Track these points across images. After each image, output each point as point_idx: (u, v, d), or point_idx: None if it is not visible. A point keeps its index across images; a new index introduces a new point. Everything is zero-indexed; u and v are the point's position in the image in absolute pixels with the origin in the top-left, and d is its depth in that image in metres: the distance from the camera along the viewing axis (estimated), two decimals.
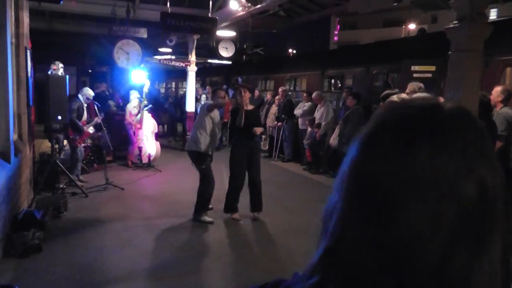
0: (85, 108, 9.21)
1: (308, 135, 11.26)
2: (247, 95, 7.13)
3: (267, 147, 13.65)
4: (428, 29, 21.88)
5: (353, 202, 0.66)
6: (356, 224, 0.65)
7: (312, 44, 26.13)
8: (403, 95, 5.56)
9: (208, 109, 6.85)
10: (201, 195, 6.92)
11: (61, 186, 8.28)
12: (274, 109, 12.87)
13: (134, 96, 11.20)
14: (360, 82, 11.16)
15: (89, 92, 9.28)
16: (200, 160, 6.85)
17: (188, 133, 13.90)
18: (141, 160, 11.02)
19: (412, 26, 32.73)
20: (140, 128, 10.97)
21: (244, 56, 18.34)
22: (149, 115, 11.23)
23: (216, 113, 7.05)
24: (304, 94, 12.08)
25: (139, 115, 11.00)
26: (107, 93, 15.56)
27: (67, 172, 8.27)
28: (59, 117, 7.74)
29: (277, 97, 12.82)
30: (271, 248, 6.10)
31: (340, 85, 12.36)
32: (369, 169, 0.65)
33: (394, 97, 5.30)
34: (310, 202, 8.29)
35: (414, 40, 12.90)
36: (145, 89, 11.11)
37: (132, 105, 11.08)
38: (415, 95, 5.11)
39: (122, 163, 11.24)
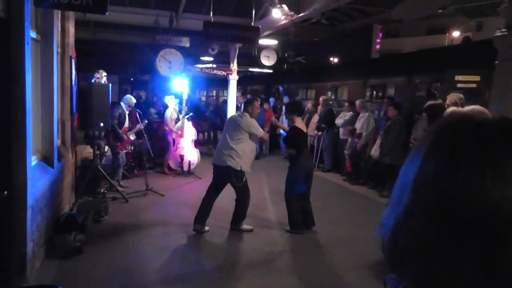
0: (126, 115, 9.35)
1: (349, 145, 11.14)
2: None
3: None
4: (473, 37, 21.36)
5: (442, 230, 0.60)
6: (455, 259, 0.59)
7: (353, 52, 25.82)
8: (459, 108, 5.46)
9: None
10: (239, 208, 6.85)
11: (102, 191, 8.48)
12: (315, 118, 12.83)
13: (171, 102, 11.24)
14: (402, 91, 10.97)
15: (132, 99, 9.42)
16: (238, 177, 6.65)
17: None
18: (182, 167, 11.14)
19: (456, 34, 31.95)
20: (182, 136, 11.10)
21: (286, 65, 18.38)
22: (190, 123, 11.36)
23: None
24: (346, 104, 11.98)
25: (179, 123, 11.11)
26: (141, 99, 15.79)
27: (108, 178, 8.42)
28: (101, 124, 7.88)
29: (319, 107, 12.76)
30: (310, 258, 6.05)
31: (381, 94, 12.20)
32: (462, 191, 0.59)
33: (450, 110, 5.23)
34: (350, 213, 8.25)
35: (459, 49, 12.60)
36: (184, 96, 11.19)
37: (170, 111, 11.11)
38: (468, 108, 5.02)
39: (163, 170, 11.37)
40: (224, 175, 6.63)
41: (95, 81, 8.25)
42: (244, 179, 6.66)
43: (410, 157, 0.67)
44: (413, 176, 0.64)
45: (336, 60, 28.21)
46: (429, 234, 0.60)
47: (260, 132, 6.77)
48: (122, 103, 9.34)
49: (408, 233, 0.62)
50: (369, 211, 8.33)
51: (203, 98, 26.78)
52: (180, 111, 11.15)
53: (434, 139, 0.65)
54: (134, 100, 9.51)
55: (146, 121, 9.87)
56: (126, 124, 9.34)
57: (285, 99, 16.00)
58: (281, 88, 18.64)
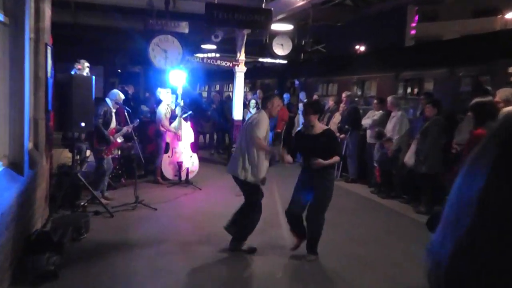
0: (113, 114, 9.31)
1: (378, 151, 11.08)
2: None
3: None
4: None
5: None
6: None
7: (384, 39, 25.65)
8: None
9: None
10: (246, 224, 6.80)
11: (82, 203, 8.43)
12: (337, 118, 12.75)
13: (166, 96, 11.15)
14: (442, 86, 10.85)
15: (120, 95, 9.40)
16: (254, 190, 6.65)
17: (235, 145, 13.95)
18: (179, 176, 11.14)
19: (510, 16, 31.38)
20: (179, 139, 11.12)
21: (303, 55, 18.26)
22: (188, 123, 11.36)
23: (266, 127, 6.70)
24: (375, 101, 11.90)
25: (176, 122, 11.10)
26: (129, 94, 15.71)
27: (90, 188, 8.39)
28: (83, 124, 7.79)
29: (341, 105, 12.70)
30: (330, 285, 5.99)
31: (417, 90, 12.09)
32: None
33: (506, 109, 5.13)
34: (379, 232, 8.18)
35: None
36: (179, 91, 11.21)
37: (164, 107, 11.03)
38: None
39: (155, 179, 11.36)
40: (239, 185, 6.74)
41: (75, 73, 8.20)
42: (257, 193, 6.68)
43: (465, 170, 0.65)
44: (476, 193, 0.60)
45: (362, 48, 28.08)
46: (508, 262, 0.57)
47: (259, 134, 6.50)
48: (108, 100, 9.29)
49: (477, 260, 0.59)
50: (402, 230, 8.26)
51: (204, 94, 26.79)
52: (177, 108, 11.14)
53: (502, 150, 0.61)
54: (122, 96, 9.49)
55: (138, 121, 9.84)
56: (113, 124, 9.30)
57: (302, 95, 16.00)
58: (297, 82, 18.59)
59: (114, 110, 9.32)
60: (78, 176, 8.11)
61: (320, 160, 6.20)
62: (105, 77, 20.46)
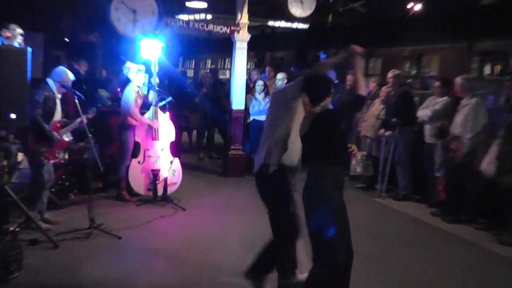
0: (58, 102, 9.21)
1: (441, 155, 11.07)
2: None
3: (363, 171, 13.21)
4: None
5: None
6: None
7: None
8: None
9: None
10: (286, 250, 6.68)
11: (11, 228, 8.20)
12: (377, 107, 12.77)
13: (137, 77, 11.07)
14: None
15: (68, 75, 9.27)
16: (285, 192, 6.54)
17: (235, 146, 13.85)
18: (155, 191, 11.08)
19: None
20: (155, 138, 11.10)
21: (331, 17, 18.17)
22: (167, 114, 11.32)
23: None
24: (436, 83, 11.84)
25: (150, 112, 11.08)
26: (80, 74, 15.47)
27: (23, 206, 8.22)
28: (13, 116, 7.60)
29: (384, 89, 12.67)
30: None
31: (500, 68, 12.01)
32: None
33: None
34: (445, 271, 8.05)
35: None
36: (153, 69, 11.20)
37: (134, 90, 10.95)
38: None
39: (119, 193, 11.27)
40: None
41: (2, 43, 8.23)
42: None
43: None
44: None
45: (418, 8, 27.83)
46: None
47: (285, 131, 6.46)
48: (50, 81, 9.16)
49: None
50: (479, 268, 8.15)
51: (190, 73, 26.61)
52: (150, 92, 11.16)
53: None
54: (71, 76, 9.37)
55: (94, 110, 9.75)
56: (58, 115, 9.21)
57: (332, 74, 15.63)
58: (322, 56, 18.44)
59: (59, 96, 9.21)
60: (5, 190, 7.92)
61: None
62: (46, 49, 20.08)
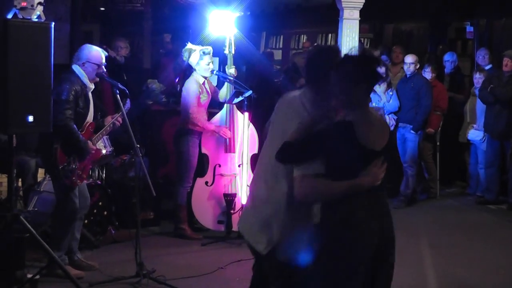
0: (90, 97, 7.80)
1: None
2: None
3: None
4: None
5: None
6: None
7: None
8: None
9: None
10: None
11: (29, 276, 7.19)
12: None
13: (196, 58, 9.46)
14: None
15: (99, 54, 7.80)
16: None
17: None
18: (229, 225, 9.59)
19: None
20: (230, 149, 9.63)
21: None
22: (246, 115, 9.61)
23: None
24: None
25: (223, 113, 9.66)
26: (118, 58, 13.81)
27: (45, 245, 7.10)
28: (31, 118, 6.78)
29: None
30: None
31: None
32: None
33: None
34: None
35: None
36: (227, 51, 9.62)
37: (197, 82, 9.49)
38: None
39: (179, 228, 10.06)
40: None
41: (16, 14, 7.17)
42: None
43: None
44: None
45: None
46: None
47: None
48: (77, 68, 7.67)
49: None
50: None
51: (278, 56, 25.10)
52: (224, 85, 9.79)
53: None
54: (103, 57, 7.88)
55: (128, 101, 8.29)
56: (91, 116, 7.81)
57: (480, 56, 13.56)
58: (469, 29, 17.34)
59: (92, 87, 7.77)
60: (21, 221, 6.89)
61: None
62: (73, 22, 18.16)
